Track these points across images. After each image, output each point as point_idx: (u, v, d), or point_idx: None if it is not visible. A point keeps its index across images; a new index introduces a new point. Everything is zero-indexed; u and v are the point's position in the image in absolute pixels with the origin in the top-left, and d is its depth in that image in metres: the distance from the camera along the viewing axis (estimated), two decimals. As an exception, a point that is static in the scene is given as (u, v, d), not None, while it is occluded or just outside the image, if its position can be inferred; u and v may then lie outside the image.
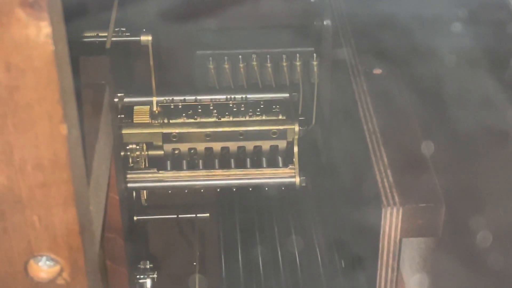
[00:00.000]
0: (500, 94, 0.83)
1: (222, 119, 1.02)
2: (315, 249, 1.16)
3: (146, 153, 1.03)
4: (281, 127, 1.02)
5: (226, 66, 1.21)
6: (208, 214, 1.12)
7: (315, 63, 1.19)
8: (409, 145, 0.81)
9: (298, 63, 1.20)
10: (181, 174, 1.02)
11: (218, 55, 1.21)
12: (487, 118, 0.80)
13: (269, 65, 1.21)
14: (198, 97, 1.05)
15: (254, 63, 1.21)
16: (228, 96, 1.06)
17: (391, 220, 0.74)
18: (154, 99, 1.03)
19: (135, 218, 1.04)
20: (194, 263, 1.13)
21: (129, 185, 1.00)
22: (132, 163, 1.03)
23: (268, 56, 1.21)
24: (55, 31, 0.45)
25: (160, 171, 1.01)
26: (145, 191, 1.08)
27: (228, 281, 1.15)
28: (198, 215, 1.12)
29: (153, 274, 1.02)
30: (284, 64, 1.20)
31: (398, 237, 0.75)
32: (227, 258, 1.18)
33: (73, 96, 0.49)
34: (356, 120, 0.86)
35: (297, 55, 1.20)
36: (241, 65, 1.21)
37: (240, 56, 1.21)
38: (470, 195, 0.74)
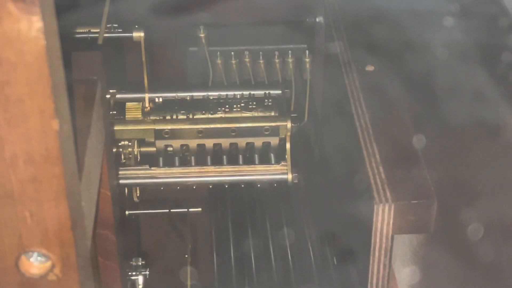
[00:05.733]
0: (491, 88, 0.83)
1: (215, 116, 1.02)
2: (307, 244, 1.16)
3: (138, 149, 1.03)
4: (273, 124, 1.02)
5: (219, 62, 1.21)
6: (200, 209, 1.12)
7: (307, 59, 1.19)
8: (401, 142, 0.81)
9: (290, 60, 1.20)
10: (173, 171, 1.02)
11: (211, 52, 1.21)
12: (479, 112, 0.80)
13: (261, 61, 1.21)
14: (191, 94, 1.05)
15: (247, 59, 1.21)
16: (221, 93, 1.05)
17: (383, 216, 0.74)
18: (146, 95, 1.03)
19: (127, 212, 1.04)
20: (186, 256, 1.13)
21: (121, 181, 0.99)
22: (124, 159, 1.02)
23: (260, 52, 1.21)
24: (46, 25, 0.44)
25: (152, 168, 1.01)
26: (137, 188, 1.07)
27: (220, 274, 1.14)
28: (190, 209, 1.12)
29: (145, 271, 1.02)
30: (277, 60, 1.20)
31: (390, 233, 0.75)
32: (219, 252, 1.18)
33: (64, 91, 0.49)
34: (349, 116, 0.86)
35: (290, 52, 1.20)
36: (234, 61, 1.21)
37: (232, 53, 1.21)
38: (461, 189, 0.74)
